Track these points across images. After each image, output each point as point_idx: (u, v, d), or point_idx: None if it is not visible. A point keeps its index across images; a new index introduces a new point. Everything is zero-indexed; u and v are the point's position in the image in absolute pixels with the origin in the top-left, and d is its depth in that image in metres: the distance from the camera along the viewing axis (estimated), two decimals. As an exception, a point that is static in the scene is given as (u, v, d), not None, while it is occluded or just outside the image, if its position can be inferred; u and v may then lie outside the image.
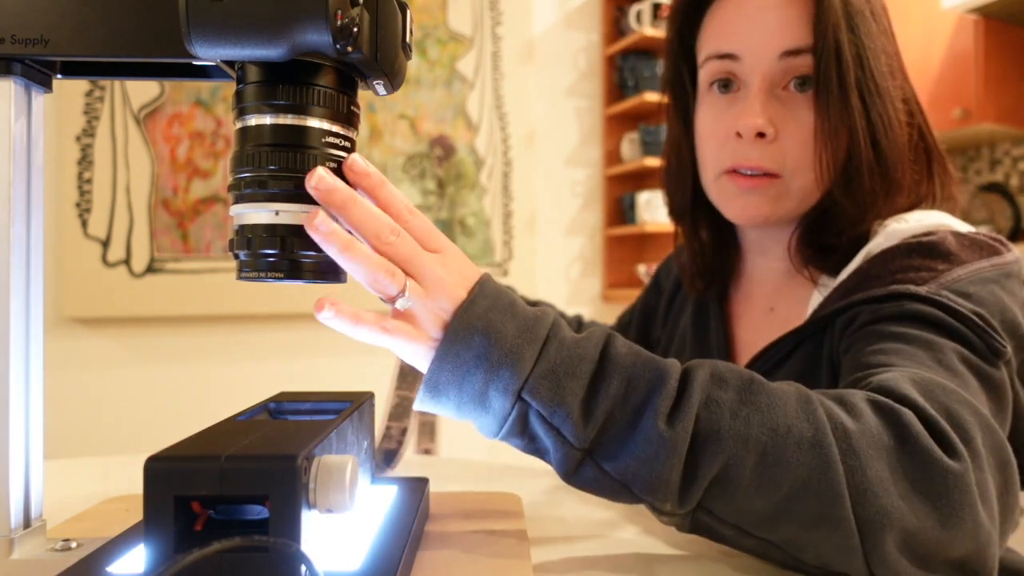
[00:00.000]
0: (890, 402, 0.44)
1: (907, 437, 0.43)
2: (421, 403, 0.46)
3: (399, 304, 0.44)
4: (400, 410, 0.77)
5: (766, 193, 0.64)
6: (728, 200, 0.67)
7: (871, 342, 0.53)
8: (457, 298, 0.45)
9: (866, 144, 0.61)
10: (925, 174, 0.66)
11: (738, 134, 0.63)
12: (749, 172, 0.64)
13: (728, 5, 0.66)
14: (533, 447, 0.46)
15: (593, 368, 0.44)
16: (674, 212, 0.77)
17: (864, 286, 0.58)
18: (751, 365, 0.65)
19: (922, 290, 0.54)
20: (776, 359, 0.64)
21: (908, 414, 0.43)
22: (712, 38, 0.67)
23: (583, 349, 0.45)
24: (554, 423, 0.44)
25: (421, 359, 0.45)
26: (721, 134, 0.66)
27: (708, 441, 0.42)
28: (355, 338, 0.44)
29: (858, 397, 0.45)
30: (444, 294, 0.45)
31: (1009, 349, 0.52)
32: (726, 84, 0.66)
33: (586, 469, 0.45)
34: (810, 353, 0.61)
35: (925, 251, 0.57)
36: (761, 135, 0.62)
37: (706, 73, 0.67)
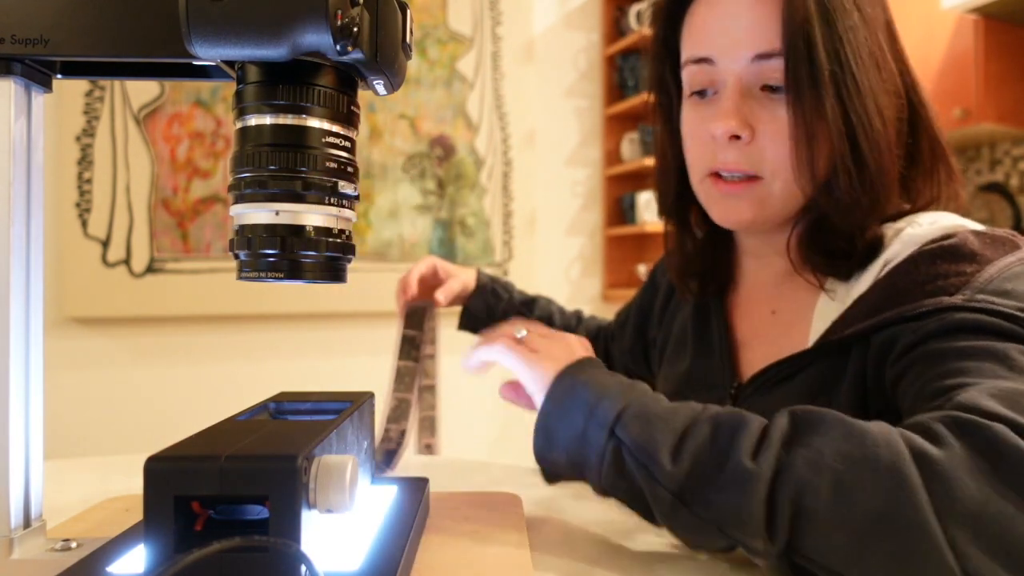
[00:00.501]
0: (975, 418, 0.41)
1: (1005, 452, 0.39)
2: (538, 452, 0.53)
3: (517, 333, 0.61)
4: (398, 412, 0.77)
5: (747, 197, 0.63)
6: (712, 204, 0.67)
7: (931, 367, 0.50)
8: (567, 358, 0.56)
9: (843, 145, 0.59)
10: (928, 171, 0.65)
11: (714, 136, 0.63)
12: (729, 175, 0.64)
13: (702, 7, 0.65)
14: (631, 491, 0.48)
15: (685, 420, 0.48)
16: (663, 211, 0.77)
17: (893, 301, 0.55)
18: (762, 374, 0.64)
19: (958, 299, 0.51)
20: (788, 372, 0.62)
21: (999, 427, 0.40)
22: (689, 41, 0.66)
23: (677, 406, 0.49)
24: (643, 460, 0.46)
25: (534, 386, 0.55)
26: (701, 137, 0.65)
27: (784, 471, 0.42)
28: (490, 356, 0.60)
29: (933, 421, 0.43)
30: (561, 346, 0.58)
31: None
32: (704, 89, 0.65)
33: (679, 511, 0.46)
34: (828, 368, 0.59)
35: (949, 255, 0.55)
36: (736, 137, 0.62)
37: (686, 76, 0.67)
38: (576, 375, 0.53)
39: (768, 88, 0.61)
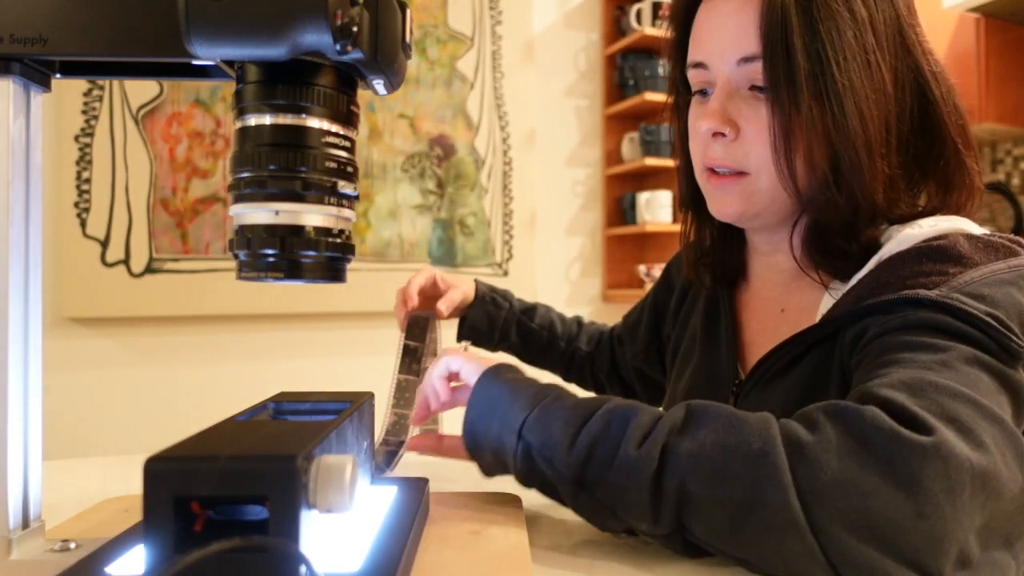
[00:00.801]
0: (850, 404, 0.45)
1: (870, 433, 0.42)
2: (469, 452, 0.59)
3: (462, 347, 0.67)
4: (398, 428, 0.77)
5: (734, 191, 0.66)
6: (708, 197, 0.70)
7: (877, 357, 0.52)
8: (493, 362, 0.61)
9: (818, 143, 0.60)
10: (943, 172, 0.64)
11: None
12: (720, 170, 0.66)
13: (701, 14, 0.67)
14: (544, 482, 0.53)
15: (584, 414, 0.52)
16: (681, 204, 0.80)
17: (875, 293, 0.56)
18: (758, 367, 0.65)
19: (932, 294, 0.52)
20: (784, 362, 0.63)
21: (870, 410, 0.43)
22: (690, 46, 0.69)
23: (582, 402, 0.53)
24: (547, 454, 0.52)
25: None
26: (695, 133, 0.69)
27: (669, 461, 0.46)
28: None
29: (815, 409, 0.46)
30: (492, 359, 0.62)
31: None
32: (704, 88, 0.68)
33: (579, 496, 0.51)
34: (820, 361, 0.61)
35: (935, 255, 0.55)
36: (722, 135, 0.64)
37: (689, 77, 0.70)
38: (493, 380, 0.59)
39: (756, 88, 0.63)
